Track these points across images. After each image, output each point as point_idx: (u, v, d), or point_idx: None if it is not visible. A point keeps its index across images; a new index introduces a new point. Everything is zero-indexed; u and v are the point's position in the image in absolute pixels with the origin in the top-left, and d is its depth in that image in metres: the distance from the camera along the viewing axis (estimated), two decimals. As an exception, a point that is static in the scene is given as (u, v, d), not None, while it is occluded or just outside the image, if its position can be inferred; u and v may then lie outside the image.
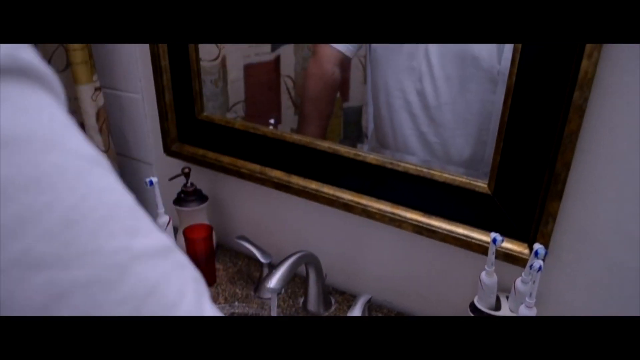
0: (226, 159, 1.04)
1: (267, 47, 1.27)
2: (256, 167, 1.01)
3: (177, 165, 1.09)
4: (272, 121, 1.06)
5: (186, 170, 1.05)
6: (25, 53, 0.24)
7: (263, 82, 1.31)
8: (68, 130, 0.25)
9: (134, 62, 1.09)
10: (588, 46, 0.63)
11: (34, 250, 0.22)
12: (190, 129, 1.08)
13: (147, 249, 0.27)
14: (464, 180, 0.81)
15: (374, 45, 1.06)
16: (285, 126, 1.35)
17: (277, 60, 1.32)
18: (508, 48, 0.79)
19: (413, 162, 0.88)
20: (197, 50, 1.00)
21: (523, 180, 0.75)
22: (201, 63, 1.05)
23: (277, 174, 0.99)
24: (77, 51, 1.04)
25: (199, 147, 1.08)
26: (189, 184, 1.07)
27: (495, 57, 0.91)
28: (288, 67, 1.35)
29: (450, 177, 0.82)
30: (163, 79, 1.03)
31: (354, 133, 1.43)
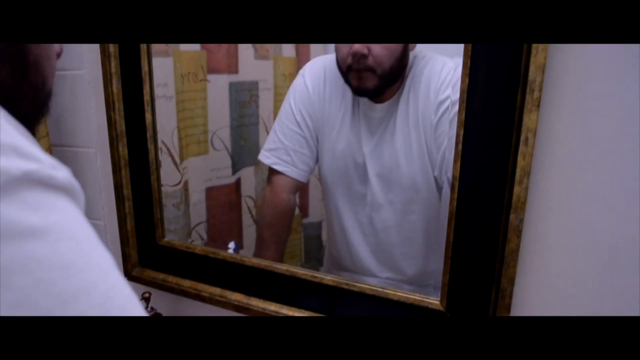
0: (187, 283, 1.05)
1: (228, 170, 1.33)
2: (216, 290, 1.02)
3: (137, 289, 1.09)
4: (232, 246, 1.08)
5: (146, 295, 1.05)
6: (60, 172, 0.35)
7: (224, 203, 1.36)
8: (85, 229, 0.36)
9: (97, 191, 1.13)
10: (518, 173, 0.69)
11: None
12: (151, 254, 1.09)
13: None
14: (417, 298, 0.84)
15: (323, 173, 1.12)
16: (247, 244, 1.38)
17: (238, 182, 1.37)
18: (446, 178, 0.86)
19: (368, 281, 0.91)
20: (159, 179, 1.04)
21: (473, 296, 0.78)
22: (163, 188, 1.08)
23: (237, 296, 1.00)
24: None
25: (160, 272, 1.09)
26: (149, 309, 1.06)
27: (433, 183, 0.98)
28: (249, 188, 1.40)
29: (404, 295, 0.85)
30: (125, 206, 1.06)
31: (315, 247, 1.47)
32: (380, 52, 0.93)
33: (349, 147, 1.06)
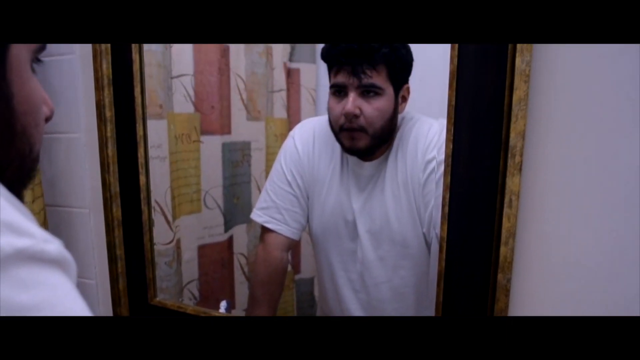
0: (178, 344, 1.04)
1: (221, 228, 1.34)
2: (208, 352, 1.01)
3: (128, 351, 1.07)
4: (224, 305, 1.08)
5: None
6: (52, 246, 0.37)
7: (216, 261, 1.36)
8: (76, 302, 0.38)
9: (90, 250, 1.13)
10: (504, 234, 0.71)
11: None
12: (142, 314, 1.09)
13: None
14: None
15: (313, 230, 1.14)
16: (240, 301, 1.37)
17: (231, 239, 1.38)
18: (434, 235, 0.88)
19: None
20: (151, 240, 1.05)
21: (464, 357, 0.79)
22: (155, 247, 1.09)
23: (229, 358, 0.99)
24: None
25: (151, 332, 1.08)
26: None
27: (422, 239, 1.00)
28: (241, 245, 1.41)
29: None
30: (118, 266, 1.06)
31: (307, 304, 1.46)
32: (371, 113, 0.96)
33: (338, 204, 1.08)
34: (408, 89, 1.00)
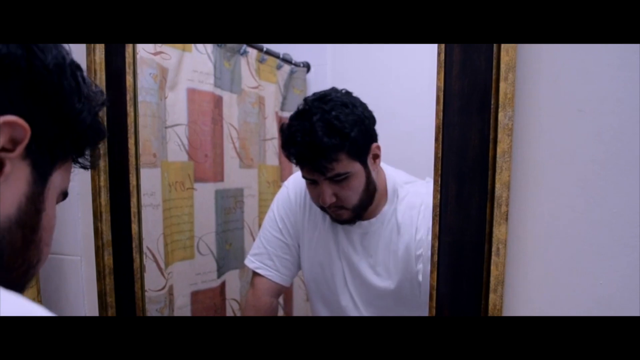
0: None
1: (214, 274, 1.34)
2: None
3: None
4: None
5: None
6: None
7: (209, 307, 1.35)
8: None
9: (80, 298, 1.12)
10: (492, 282, 0.72)
11: None
12: (133, 363, 1.07)
13: None
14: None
15: (305, 278, 1.15)
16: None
17: (223, 285, 1.38)
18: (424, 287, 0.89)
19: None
20: (142, 288, 1.05)
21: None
22: (147, 293, 1.09)
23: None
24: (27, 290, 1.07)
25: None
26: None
27: (417, 290, 1.00)
28: (234, 291, 1.41)
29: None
30: (108, 314, 1.05)
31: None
32: (345, 194, 0.98)
33: (327, 255, 1.10)
34: (377, 147, 1.02)
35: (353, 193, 0.99)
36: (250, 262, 1.16)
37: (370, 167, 1.01)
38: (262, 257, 1.15)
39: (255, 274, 1.16)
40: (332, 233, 1.09)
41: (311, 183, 1.01)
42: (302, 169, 1.00)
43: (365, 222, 1.06)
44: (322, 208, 1.04)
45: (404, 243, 1.01)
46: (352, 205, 1.00)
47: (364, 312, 1.06)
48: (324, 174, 0.95)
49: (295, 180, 1.16)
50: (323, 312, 1.13)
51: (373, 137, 1.01)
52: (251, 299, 1.17)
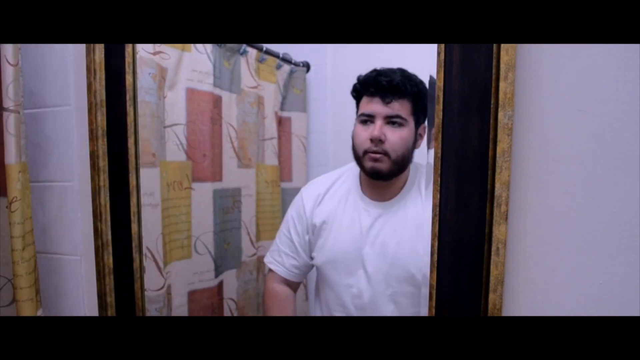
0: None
1: (211, 273, 1.34)
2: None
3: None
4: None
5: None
6: None
7: (206, 306, 1.35)
8: None
9: (80, 298, 1.12)
10: (492, 281, 0.72)
11: None
12: (132, 363, 1.07)
13: None
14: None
15: (323, 262, 1.20)
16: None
17: (221, 285, 1.38)
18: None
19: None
20: (142, 287, 1.05)
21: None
22: (146, 293, 1.09)
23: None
24: (25, 289, 1.06)
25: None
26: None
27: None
28: (231, 290, 1.40)
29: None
30: (108, 314, 1.05)
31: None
32: (395, 140, 1.07)
33: (350, 238, 1.15)
34: (424, 128, 1.11)
35: (401, 142, 1.08)
36: (266, 257, 1.30)
37: (417, 137, 1.11)
38: (274, 253, 1.28)
39: (269, 268, 1.29)
40: (352, 215, 1.16)
41: (364, 123, 1.10)
42: (366, 104, 1.10)
43: (385, 203, 1.14)
44: (360, 160, 1.12)
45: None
46: (395, 156, 1.08)
47: (375, 297, 1.12)
48: (388, 104, 1.06)
49: (309, 186, 1.27)
50: (331, 297, 1.18)
51: (426, 115, 1.09)
52: (265, 287, 1.31)
